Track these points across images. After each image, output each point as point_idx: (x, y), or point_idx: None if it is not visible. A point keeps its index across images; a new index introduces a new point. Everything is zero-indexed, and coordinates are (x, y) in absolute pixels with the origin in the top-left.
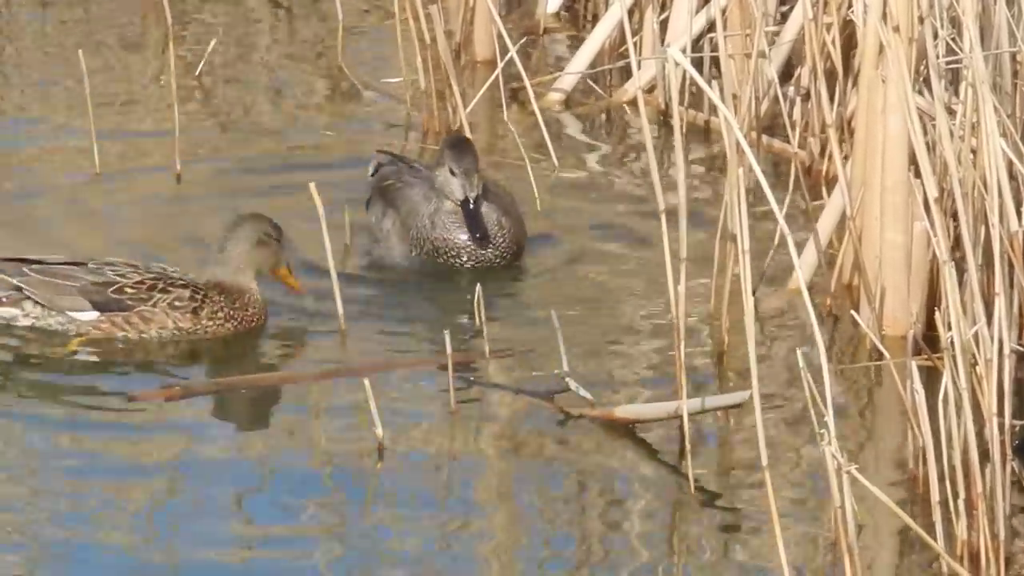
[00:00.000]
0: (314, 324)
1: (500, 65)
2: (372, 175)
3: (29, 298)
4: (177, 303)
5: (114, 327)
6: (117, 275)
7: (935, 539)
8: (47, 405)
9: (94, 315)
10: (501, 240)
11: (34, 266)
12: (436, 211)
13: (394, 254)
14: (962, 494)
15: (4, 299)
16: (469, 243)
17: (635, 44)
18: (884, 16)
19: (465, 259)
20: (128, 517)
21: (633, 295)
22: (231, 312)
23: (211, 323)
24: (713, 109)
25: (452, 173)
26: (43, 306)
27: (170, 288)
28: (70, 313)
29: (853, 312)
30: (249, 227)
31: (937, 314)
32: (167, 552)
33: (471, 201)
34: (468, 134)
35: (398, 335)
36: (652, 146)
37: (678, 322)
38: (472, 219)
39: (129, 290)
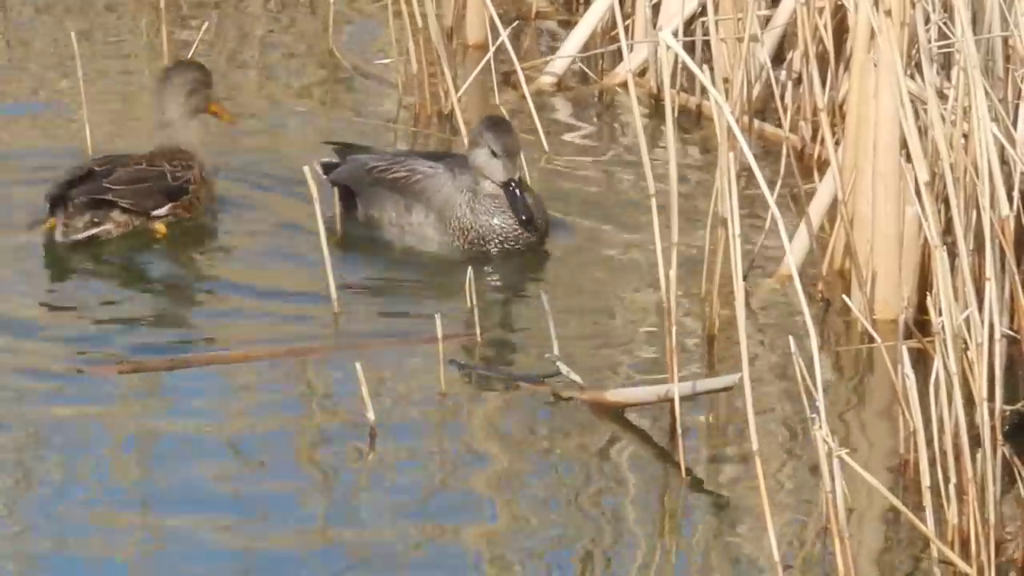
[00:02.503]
0: (307, 307)
1: (492, 49)
2: (326, 174)
3: (116, 209)
4: (204, 176)
5: (184, 212)
6: (152, 166)
7: (925, 524)
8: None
9: (168, 207)
10: (540, 222)
11: (111, 177)
12: (474, 197)
13: (431, 246)
14: (953, 479)
15: (96, 219)
16: (514, 227)
17: (627, 28)
18: (876, 0)
19: (512, 242)
20: (105, 496)
21: (624, 278)
22: (197, 172)
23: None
24: (705, 93)
25: (494, 155)
26: (133, 212)
27: (190, 163)
28: (153, 212)
29: (844, 296)
30: (177, 82)
31: (928, 298)
32: (151, 536)
33: (514, 183)
34: (460, 118)
35: (391, 318)
36: (643, 130)
37: (669, 306)
38: (517, 201)
39: (179, 175)
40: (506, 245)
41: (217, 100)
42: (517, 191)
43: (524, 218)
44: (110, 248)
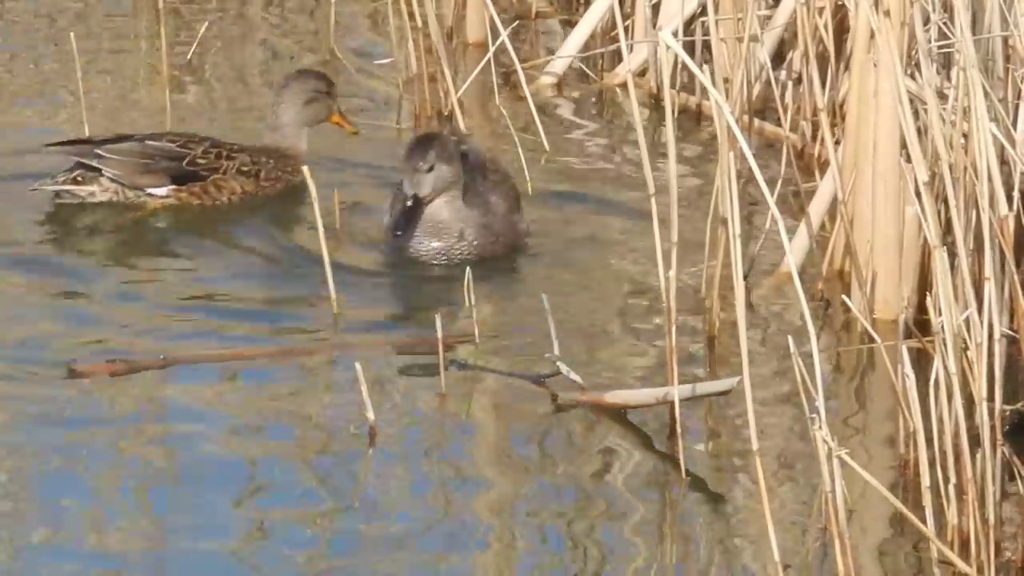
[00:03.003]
0: (307, 308)
1: (492, 49)
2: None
3: (104, 175)
4: (243, 168)
5: (191, 197)
6: (181, 147)
7: (925, 524)
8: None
9: (170, 188)
10: (454, 252)
11: (105, 146)
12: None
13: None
14: (952, 479)
15: (80, 177)
16: (419, 245)
17: (627, 28)
18: (875, 0)
19: (428, 260)
20: (107, 499)
21: (624, 279)
22: (280, 174)
23: (267, 184)
24: (705, 93)
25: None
26: (121, 184)
27: (233, 154)
28: (148, 190)
29: (844, 296)
30: (297, 87)
31: (928, 298)
32: (147, 537)
33: (409, 198)
34: (460, 118)
35: (390, 318)
36: (643, 130)
37: (669, 306)
38: (403, 214)
39: (200, 160)
40: (428, 261)
41: (340, 111)
42: (408, 208)
43: (396, 231)
44: (103, 244)
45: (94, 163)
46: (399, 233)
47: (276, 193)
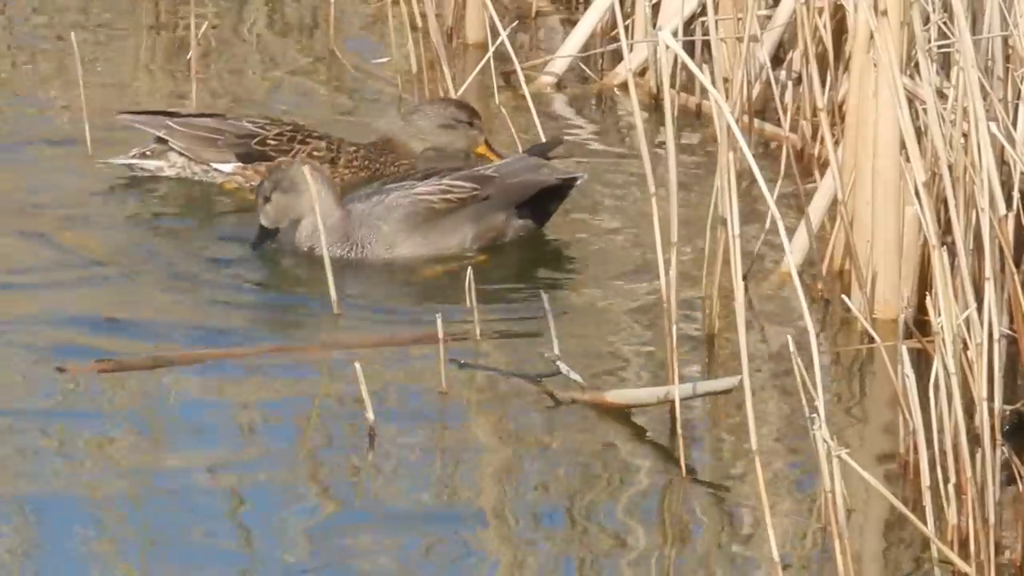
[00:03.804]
0: (308, 308)
1: (491, 48)
2: None
3: (173, 149)
4: (315, 153)
5: (257, 175)
6: (257, 127)
7: (925, 524)
8: None
9: (236, 165)
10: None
11: (177, 119)
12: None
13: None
14: (952, 479)
15: (148, 152)
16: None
17: (627, 27)
18: (874, 0)
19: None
20: (99, 501)
21: (624, 279)
22: (367, 163)
23: (347, 171)
24: (705, 93)
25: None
26: (188, 158)
27: (308, 139)
28: (214, 165)
29: (844, 296)
30: (437, 110)
31: (928, 298)
32: (146, 537)
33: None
34: None
35: (391, 318)
36: (643, 129)
37: (669, 306)
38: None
39: (271, 142)
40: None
41: (487, 142)
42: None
43: (251, 243)
44: (101, 236)
45: (162, 134)
46: (253, 250)
47: (359, 181)
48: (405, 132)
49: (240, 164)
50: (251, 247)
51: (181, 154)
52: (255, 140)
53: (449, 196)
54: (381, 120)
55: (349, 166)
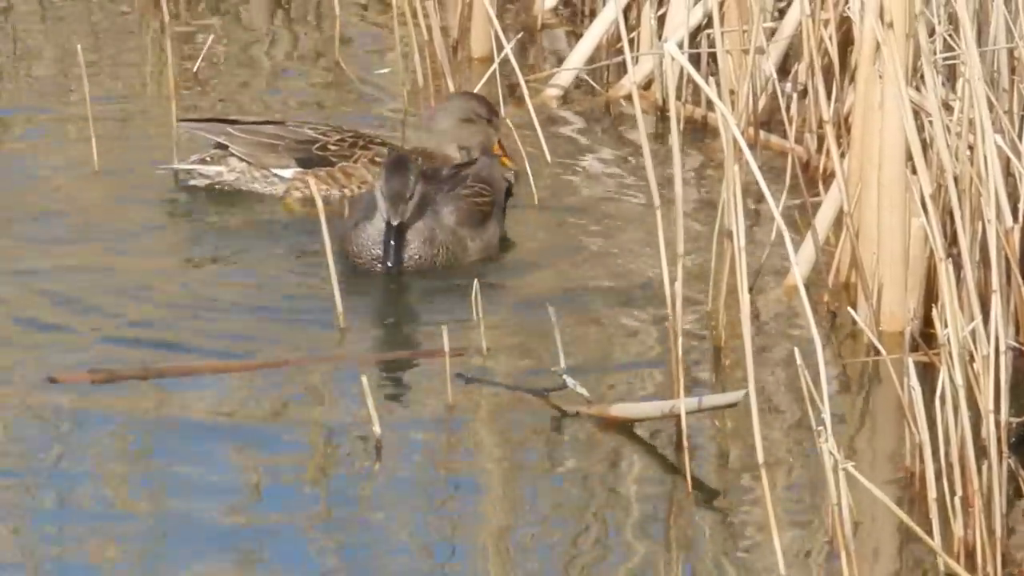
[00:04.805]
0: (313, 321)
1: (497, 61)
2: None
3: (233, 155)
4: (377, 159)
5: (318, 182)
6: (318, 133)
7: (932, 536)
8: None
9: (296, 171)
10: (421, 261)
11: (238, 125)
12: (366, 218)
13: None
14: (959, 491)
15: (208, 158)
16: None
17: (632, 40)
18: (881, 12)
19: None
20: (98, 516)
21: (630, 292)
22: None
23: None
24: (710, 105)
25: (382, 194)
26: (248, 163)
27: (370, 145)
28: (274, 170)
29: (850, 309)
30: (457, 104)
31: (934, 311)
32: (148, 555)
33: (392, 227)
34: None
35: (396, 331)
36: (648, 142)
37: (674, 319)
38: (388, 245)
39: (332, 147)
40: (367, 267)
41: (500, 143)
42: (392, 238)
43: (389, 264)
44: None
45: (222, 139)
46: (390, 265)
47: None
48: (433, 139)
49: (300, 169)
50: (389, 266)
51: (241, 159)
52: (316, 145)
53: (485, 199)
54: (411, 133)
55: None
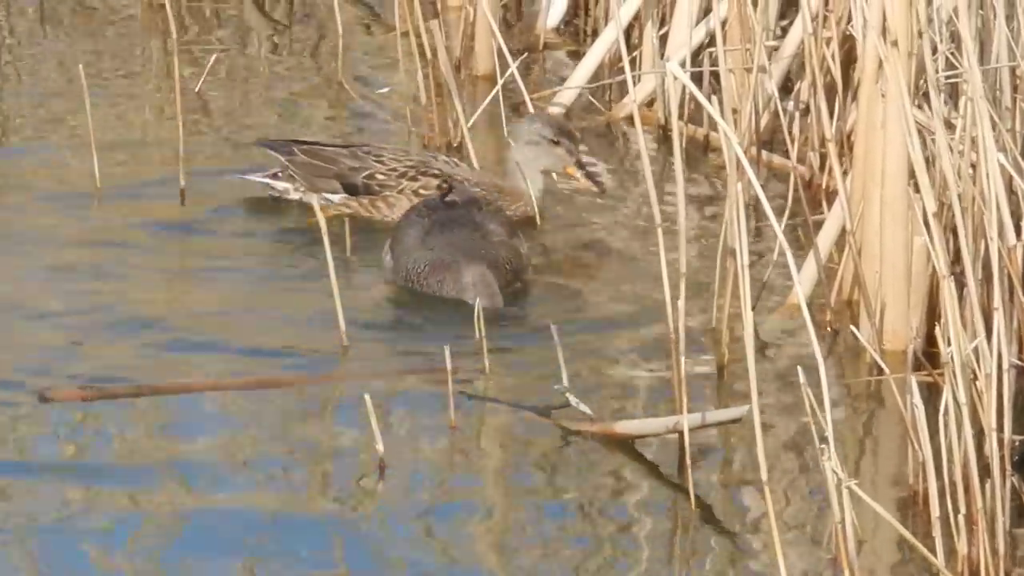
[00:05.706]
0: (317, 339)
1: (500, 80)
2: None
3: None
4: (423, 191)
5: (360, 208)
6: (376, 160)
7: (935, 555)
8: None
9: (342, 197)
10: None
11: (303, 147)
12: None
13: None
14: (962, 509)
15: (280, 173)
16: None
17: (634, 59)
18: (883, 30)
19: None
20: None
21: (633, 310)
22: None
23: None
24: (713, 123)
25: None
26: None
27: (420, 176)
28: (325, 194)
29: (853, 327)
30: (525, 125)
31: (937, 329)
32: (159, 570)
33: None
34: (470, 149)
35: (400, 350)
36: (649, 161)
37: (677, 336)
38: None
39: (380, 176)
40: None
41: (579, 163)
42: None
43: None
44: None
45: (284, 159)
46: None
47: None
48: (506, 172)
49: (346, 196)
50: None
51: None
52: (364, 174)
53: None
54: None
55: None
